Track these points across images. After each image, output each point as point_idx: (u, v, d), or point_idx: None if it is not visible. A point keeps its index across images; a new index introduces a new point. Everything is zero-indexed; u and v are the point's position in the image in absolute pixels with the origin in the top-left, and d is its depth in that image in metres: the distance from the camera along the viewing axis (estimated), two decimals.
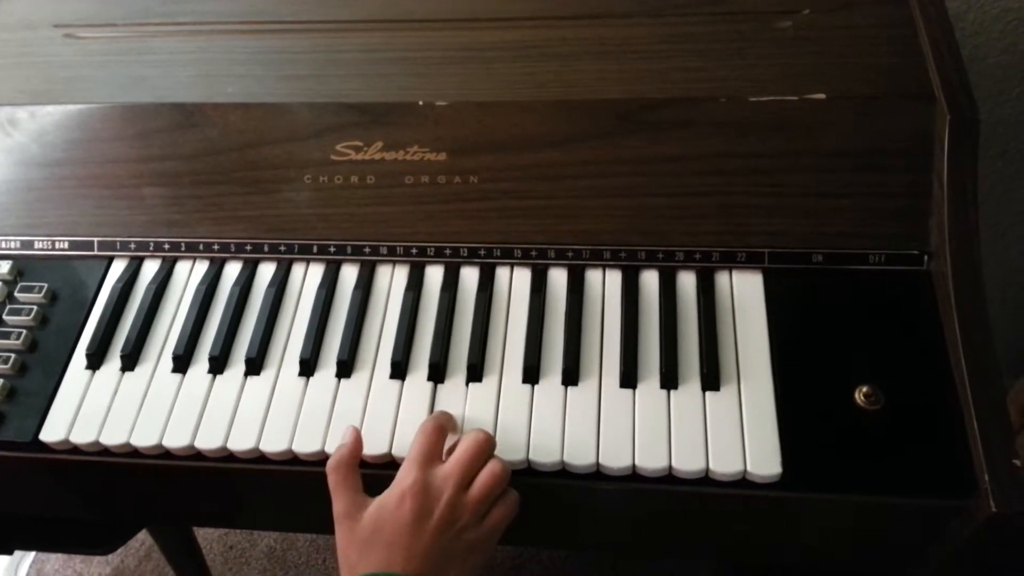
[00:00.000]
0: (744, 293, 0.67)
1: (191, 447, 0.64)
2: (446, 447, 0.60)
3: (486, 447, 0.58)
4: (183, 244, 0.73)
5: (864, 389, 0.61)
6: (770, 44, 0.73)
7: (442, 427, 0.60)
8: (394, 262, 0.71)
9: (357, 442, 0.61)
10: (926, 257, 0.66)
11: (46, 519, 0.90)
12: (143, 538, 1.40)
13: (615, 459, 0.60)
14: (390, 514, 0.55)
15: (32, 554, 1.43)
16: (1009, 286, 1.17)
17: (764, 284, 0.67)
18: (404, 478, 0.56)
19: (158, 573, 1.39)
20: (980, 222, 0.64)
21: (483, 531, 0.57)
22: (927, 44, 0.70)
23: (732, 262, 0.68)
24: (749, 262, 0.68)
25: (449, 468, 0.57)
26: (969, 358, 0.60)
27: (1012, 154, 1.02)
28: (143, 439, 0.65)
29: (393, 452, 0.62)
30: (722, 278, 0.68)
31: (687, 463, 0.60)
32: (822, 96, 0.69)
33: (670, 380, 0.63)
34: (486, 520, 0.57)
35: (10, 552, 0.93)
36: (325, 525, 0.59)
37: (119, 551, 1.39)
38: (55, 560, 1.42)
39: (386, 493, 0.57)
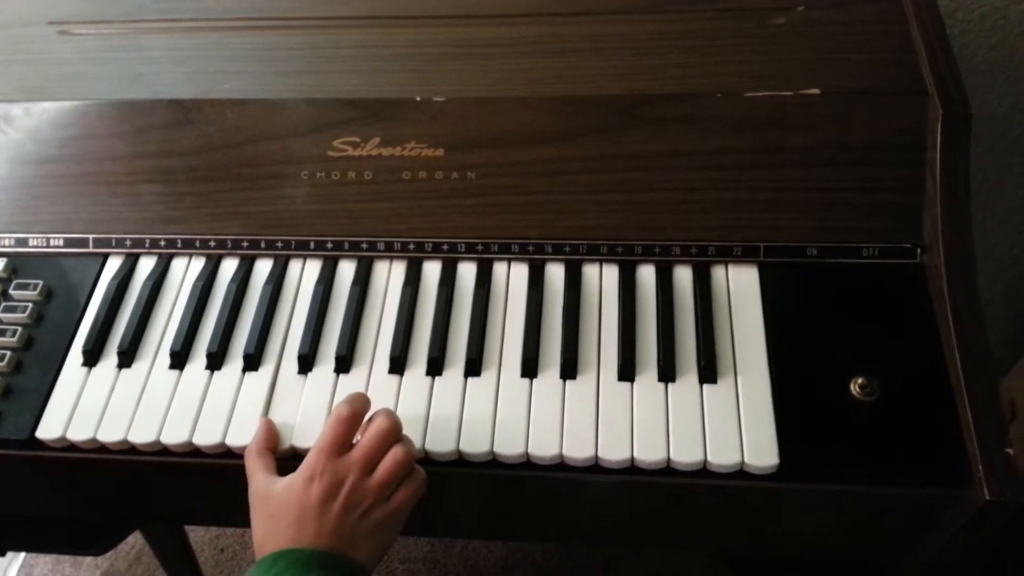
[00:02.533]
0: (740, 287, 0.68)
1: (189, 443, 0.64)
2: (364, 420, 0.61)
3: (389, 434, 0.59)
4: (179, 241, 0.73)
5: (859, 381, 0.62)
6: (765, 40, 0.74)
7: (354, 415, 0.60)
8: (392, 258, 0.72)
9: (267, 429, 0.63)
10: (919, 250, 0.67)
11: (38, 520, 0.90)
12: (133, 541, 1.40)
13: (614, 452, 0.61)
14: (297, 495, 0.57)
15: (21, 557, 1.41)
16: (997, 282, 1.19)
17: (760, 278, 0.68)
18: (313, 464, 0.58)
19: None
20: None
21: (388, 510, 0.59)
22: (919, 40, 0.71)
23: (728, 256, 0.69)
24: (745, 256, 0.68)
25: (353, 456, 0.59)
26: (962, 349, 0.61)
27: (1000, 151, 1.03)
28: (141, 436, 0.64)
29: None
30: (718, 272, 0.69)
31: (685, 455, 0.60)
32: (816, 91, 0.70)
33: (668, 373, 0.64)
34: (391, 500, 0.59)
35: (2, 554, 0.92)
36: None
37: (109, 554, 1.38)
38: (44, 564, 1.41)
39: (294, 475, 0.59)
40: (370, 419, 0.61)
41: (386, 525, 0.59)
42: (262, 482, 0.60)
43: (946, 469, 0.58)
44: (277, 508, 0.58)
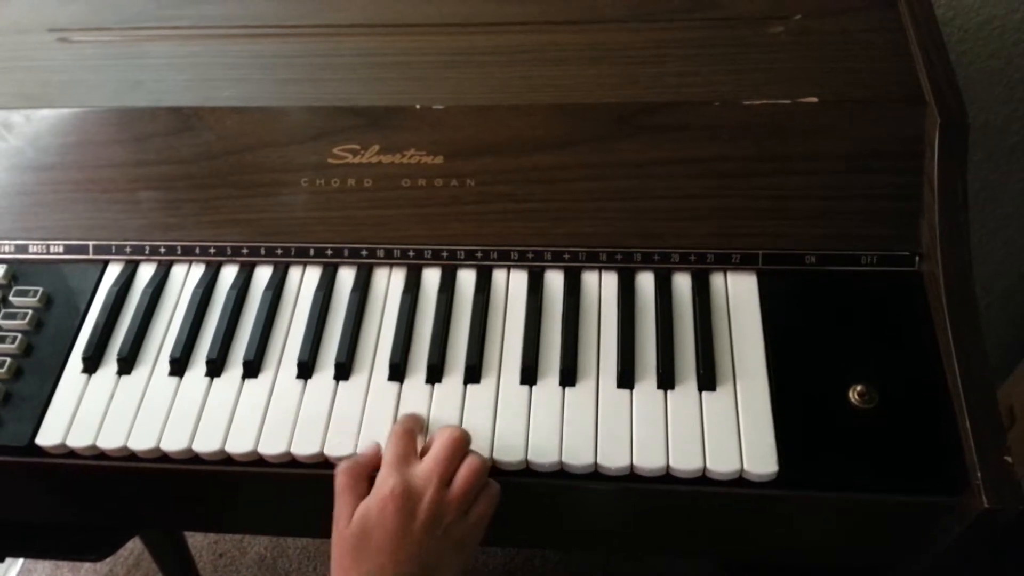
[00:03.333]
0: (739, 294, 0.68)
1: (189, 450, 0.64)
2: (419, 447, 0.60)
3: (462, 442, 0.58)
4: (179, 248, 0.73)
5: (858, 388, 0.62)
6: (763, 49, 0.74)
7: (411, 430, 0.60)
8: (391, 264, 0.72)
9: (376, 453, 0.60)
10: (917, 258, 0.67)
11: (37, 525, 0.90)
12: (132, 546, 1.39)
13: (613, 459, 0.61)
14: (374, 520, 0.55)
15: (19, 563, 1.41)
16: (994, 288, 1.19)
17: (758, 285, 0.68)
18: (384, 483, 0.56)
19: None
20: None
21: (468, 525, 0.56)
22: (917, 48, 0.71)
23: (727, 263, 0.69)
24: (743, 263, 0.69)
25: (428, 467, 0.56)
26: (960, 357, 0.61)
27: (997, 158, 1.04)
28: (141, 442, 0.64)
29: None
30: (717, 279, 0.69)
31: (684, 462, 0.60)
32: (814, 100, 0.70)
33: (667, 380, 0.64)
34: (470, 514, 0.57)
35: (1, 560, 0.92)
36: (322, 529, 0.59)
37: (108, 560, 1.38)
38: (43, 569, 1.41)
39: (368, 499, 0.56)
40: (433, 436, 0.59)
41: (466, 543, 0.56)
42: (348, 508, 0.56)
43: (944, 476, 0.59)
44: (357, 537, 0.55)
